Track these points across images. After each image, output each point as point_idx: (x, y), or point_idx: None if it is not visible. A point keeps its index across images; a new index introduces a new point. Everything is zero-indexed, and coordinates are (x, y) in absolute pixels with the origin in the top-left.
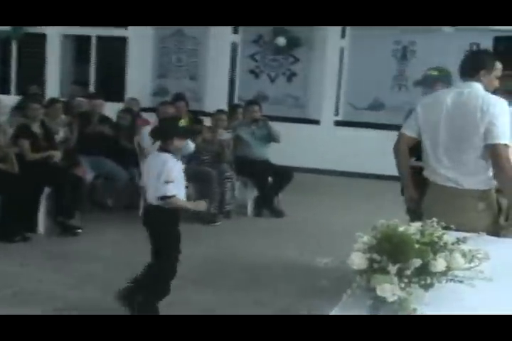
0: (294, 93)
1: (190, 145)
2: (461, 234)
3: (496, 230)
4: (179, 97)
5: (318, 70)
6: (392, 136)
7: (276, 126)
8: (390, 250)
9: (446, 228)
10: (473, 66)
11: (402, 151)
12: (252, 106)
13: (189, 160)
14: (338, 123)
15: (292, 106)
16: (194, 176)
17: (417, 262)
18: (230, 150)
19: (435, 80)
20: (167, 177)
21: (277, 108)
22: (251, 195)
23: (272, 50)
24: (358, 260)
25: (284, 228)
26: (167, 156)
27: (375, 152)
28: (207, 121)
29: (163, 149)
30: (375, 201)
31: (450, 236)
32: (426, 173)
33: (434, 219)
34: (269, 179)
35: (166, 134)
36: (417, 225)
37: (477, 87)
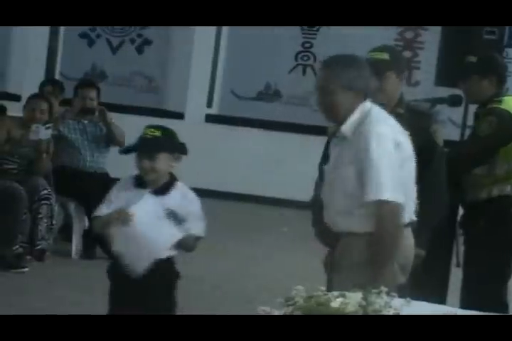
0: (146, 71)
1: None
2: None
3: None
4: None
5: (185, 38)
6: (292, 139)
7: (118, 120)
8: None
9: None
10: None
11: None
12: (85, 90)
13: None
14: (211, 119)
15: (143, 91)
16: None
17: None
18: (49, 156)
19: (384, 68)
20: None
21: (121, 92)
22: (78, 225)
23: None
24: None
25: None
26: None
27: (264, 163)
28: (14, 109)
29: None
30: (264, 239)
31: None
32: None
33: (383, 288)
34: None
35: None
36: (356, 296)
37: None
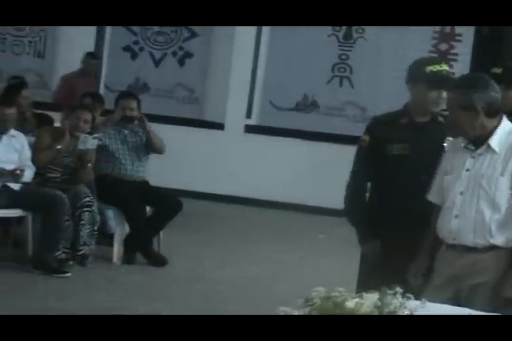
0: (187, 82)
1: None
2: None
3: None
4: (20, 83)
5: (225, 51)
6: (330, 148)
7: (159, 130)
8: None
9: None
10: None
11: None
12: (125, 101)
13: None
14: (250, 129)
15: (184, 102)
16: (34, 202)
17: None
18: (92, 165)
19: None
20: None
21: (162, 103)
22: (119, 232)
23: None
24: None
25: (166, 283)
26: None
27: (302, 172)
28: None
29: None
30: (299, 246)
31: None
32: None
33: (398, 289)
34: (147, 209)
35: None
36: (372, 297)
37: None
